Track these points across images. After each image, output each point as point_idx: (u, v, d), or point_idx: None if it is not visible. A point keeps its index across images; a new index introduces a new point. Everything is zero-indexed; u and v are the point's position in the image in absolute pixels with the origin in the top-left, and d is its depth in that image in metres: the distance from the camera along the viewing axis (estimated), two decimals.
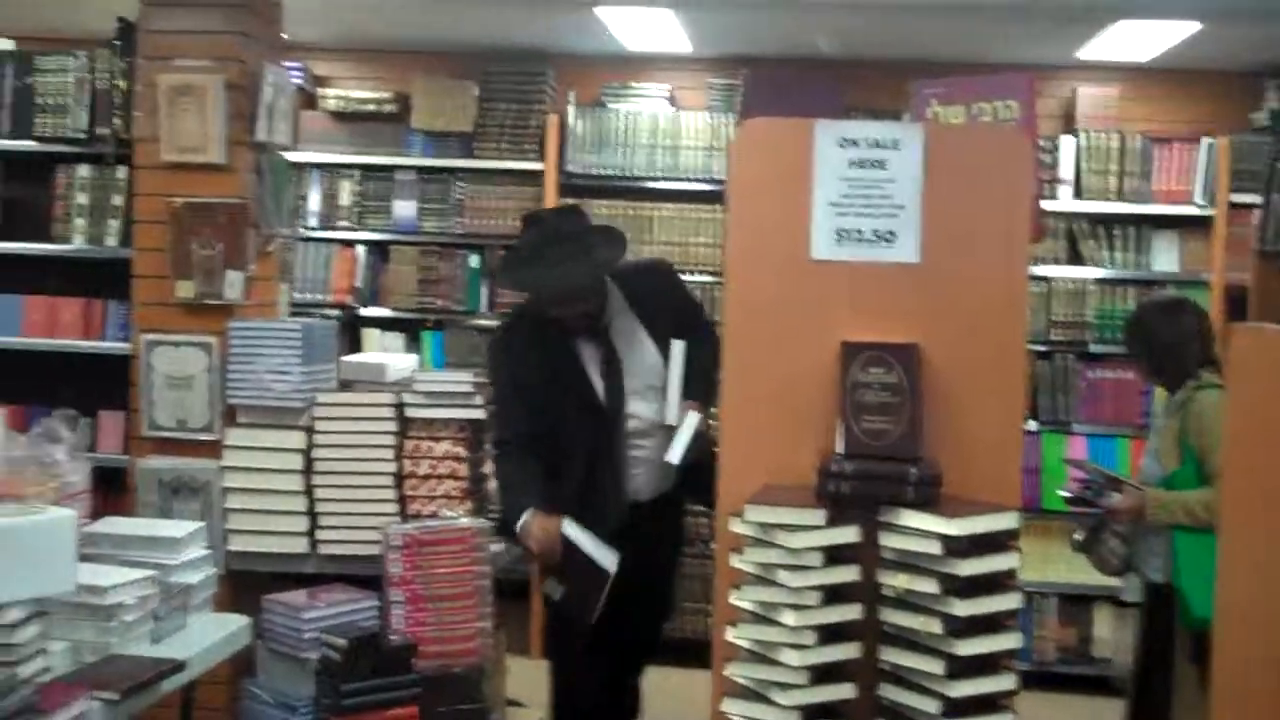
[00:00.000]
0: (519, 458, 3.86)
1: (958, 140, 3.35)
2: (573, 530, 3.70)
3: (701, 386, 3.86)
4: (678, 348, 3.85)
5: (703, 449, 3.80)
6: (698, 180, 6.38)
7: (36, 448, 3.27)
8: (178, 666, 3.07)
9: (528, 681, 5.16)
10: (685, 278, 5.03)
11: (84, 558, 3.05)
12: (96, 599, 3.06)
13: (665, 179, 6.39)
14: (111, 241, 4.99)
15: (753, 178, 3.26)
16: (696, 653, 4.37)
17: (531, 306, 4.02)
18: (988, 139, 3.41)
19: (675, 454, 3.76)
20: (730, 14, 5.63)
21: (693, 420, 3.77)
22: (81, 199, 5.03)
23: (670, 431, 3.83)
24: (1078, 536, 4.32)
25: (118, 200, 4.99)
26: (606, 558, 3.68)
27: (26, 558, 2.74)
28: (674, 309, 4.07)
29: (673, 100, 6.58)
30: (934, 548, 2.80)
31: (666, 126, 6.40)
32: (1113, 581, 5.78)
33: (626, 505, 3.91)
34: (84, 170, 5.05)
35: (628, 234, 4.18)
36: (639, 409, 3.91)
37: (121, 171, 4.97)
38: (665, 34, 5.99)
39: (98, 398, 4.87)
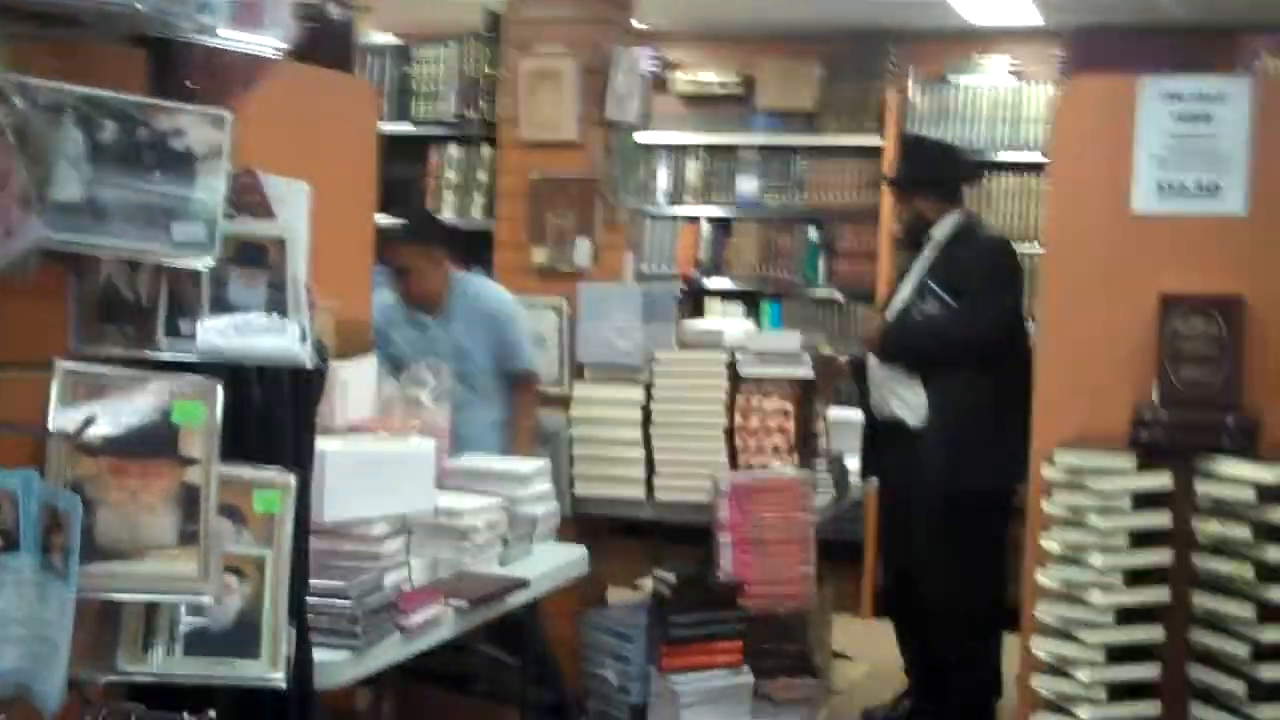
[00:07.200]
0: None
1: None
2: None
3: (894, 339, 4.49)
4: None
5: None
6: (1038, 151, 6.30)
7: (405, 390, 3.65)
8: (522, 583, 3.37)
9: (855, 637, 5.29)
10: (1024, 248, 5.05)
11: (443, 488, 3.40)
12: (453, 521, 3.38)
13: (1006, 151, 6.35)
14: (477, 214, 5.45)
15: (1075, 134, 3.30)
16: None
17: None
18: None
19: None
20: None
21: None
22: (451, 176, 5.51)
23: None
24: None
25: (483, 176, 5.44)
26: None
27: (393, 480, 3.11)
28: (960, 272, 4.42)
29: (1017, 73, 6.52)
30: (1248, 495, 2.78)
31: (1007, 99, 6.36)
32: None
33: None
34: (454, 150, 5.53)
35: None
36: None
37: (486, 150, 5.41)
38: (1011, 5, 5.95)
39: None
